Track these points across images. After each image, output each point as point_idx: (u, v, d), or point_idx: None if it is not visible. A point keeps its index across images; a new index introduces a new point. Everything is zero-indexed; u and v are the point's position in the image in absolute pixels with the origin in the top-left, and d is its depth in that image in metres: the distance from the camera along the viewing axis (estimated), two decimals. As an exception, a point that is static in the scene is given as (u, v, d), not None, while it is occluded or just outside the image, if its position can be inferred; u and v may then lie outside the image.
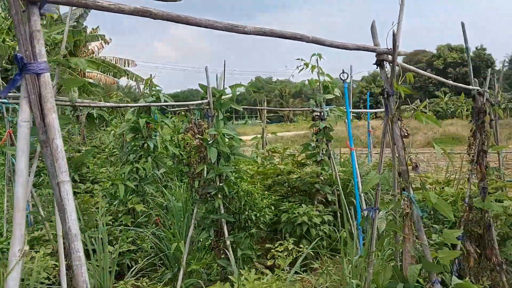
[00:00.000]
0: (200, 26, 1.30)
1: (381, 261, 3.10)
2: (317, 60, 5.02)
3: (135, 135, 5.22)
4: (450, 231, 2.43)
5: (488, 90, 3.89)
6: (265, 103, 7.61)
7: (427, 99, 48.53)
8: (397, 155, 2.36)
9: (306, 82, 5.50)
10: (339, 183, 5.21)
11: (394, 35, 2.25)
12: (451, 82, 3.31)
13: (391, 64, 2.33)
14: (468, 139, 3.74)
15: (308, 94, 5.42)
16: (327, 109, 5.33)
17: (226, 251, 3.86)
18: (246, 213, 3.96)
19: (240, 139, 4.19)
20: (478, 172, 3.65)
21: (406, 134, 2.36)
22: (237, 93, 4.02)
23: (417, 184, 5.41)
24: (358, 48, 2.10)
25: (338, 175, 5.36)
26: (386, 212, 2.45)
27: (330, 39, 1.81)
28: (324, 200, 5.37)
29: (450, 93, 44.73)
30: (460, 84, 3.38)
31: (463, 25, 3.49)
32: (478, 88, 3.51)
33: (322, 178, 5.34)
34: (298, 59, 5.02)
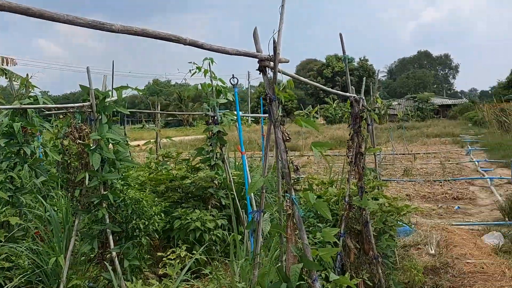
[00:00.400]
0: (59, 21, 1.18)
1: (270, 263, 3.17)
2: (209, 64, 5.02)
3: (9, 140, 4.70)
4: (329, 230, 2.57)
5: (364, 97, 4.24)
6: (159, 107, 7.39)
7: (318, 105, 51.84)
8: (280, 158, 2.43)
9: (199, 87, 5.48)
10: (233, 187, 5.26)
11: (274, 42, 2.31)
12: (329, 89, 3.52)
13: (273, 70, 2.39)
14: (347, 142, 4.01)
15: (202, 99, 5.38)
16: (221, 113, 5.35)
17: (113, 263, 3.65)
18: (134, 221, 3.78)
19: (128, 144, 3.99)
20: (356, 172, 3.94)
21: (288, 138, 2.44)
22: (124, 95, 3.83)
23: (306, 185, 5.66)
24: (239, 54, 2.11)
25: (232, 178, 5.41)
26: (271, 214, 2.51)
27: (208, 42, 1.79)
28: (218, 204, 5.38)
29: (338, 100, 48.12)
30: (338, 91, 3.61)
31: (341, 36, 3.76)
32: (355, 95, 3.79)
33: (216, 182, 5.34)
34: (190, 62, 4.96)
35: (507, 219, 6.60)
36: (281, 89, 2.43)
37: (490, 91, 66.41)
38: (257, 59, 2.34)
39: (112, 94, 4.01)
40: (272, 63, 2.38)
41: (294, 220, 2.37)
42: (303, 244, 2.35)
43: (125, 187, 3.85)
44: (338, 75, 58.73)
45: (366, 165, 5.64)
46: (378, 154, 14.70)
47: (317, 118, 52.14)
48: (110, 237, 3.69)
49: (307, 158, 16.21)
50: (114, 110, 3.78)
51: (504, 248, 5.30)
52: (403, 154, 17.10)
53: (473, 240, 5.73)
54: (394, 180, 11.14)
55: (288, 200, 2.37)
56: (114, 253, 3.68)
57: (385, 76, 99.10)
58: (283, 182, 2.46)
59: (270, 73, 2.45)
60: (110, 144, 3.79)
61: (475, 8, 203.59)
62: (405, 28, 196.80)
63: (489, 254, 5.18)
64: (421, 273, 4.53)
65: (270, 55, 2.35)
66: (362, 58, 64.65)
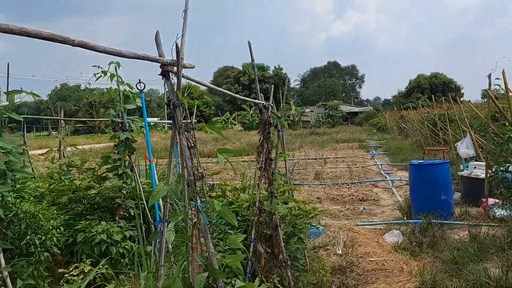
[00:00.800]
0: None
1: (177, 274, 3.09)
2: (115, 68, 4.79)
3: None
4: (236, 236, 2.57)
5: (273, 104, 4.33)
6: (62, 113, 6.91)
7: (236, 112, 52.35)
8: (185, 165, 2.37)
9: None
10: (143, 196, 5.06)
11: (177, 47, 2.26)
12: (237, 95, 3.54)
13: (176, 76, 2.34)
14: (257, 148, 4.06)
15: (108, 104, 5.12)
16: (129, 119, 5.14)
17: (5, 283, 3.30)
18: (28, 237, 3.46)
19: (25, 153, 3.65)
20: (266, 178, 3.99)
21: (193, 145, 2.39)
22: (17, 100, 3.49)
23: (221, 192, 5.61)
24: (137, 57, 2.02)
25: (143, 187, 5.21)
26: (175, 224, 2.44)
27: (103, 44, 1.69)
28: (127, 215, 5.14)
29: (254, 106, 49.01)
30: (247, 98, 3.65)
31: (249, 44, 3.80)
32: (263, 102, 3.86)
33: (124, 192, 5.10)
34: (95, 66, 4.70)
35: (405, 218, 7.15)
36: (185, 94, 2.38)
37: (392, 100, 72.21)
38: (159, 64, 2.27)
39: (7, 99, 3.66)
40: (175, 68, 2.33)
41: (200, 229, 2.33)
42: (208, 252, 2.31)
43: (18, 200, 3.51)
44: (254, 83, 59.87)
45: (280, 170, 5.79)
46: (291, 159, 15.13)
47: (235, 124, 52.70)
48: (1, 255, 3.34)
49: (224, 164, 16.25)
50: (6, 116, 3.44)
51: (402, 245, 5.71)
52: (315, 158, 17.84)
53: (376, 239, 6.11)
54: (306, 184, 11.55)
55: (193, 208, 2.32)
56: (5, 273, 3.34)
57: (298, 84, 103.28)
58: (189, 190, 2.41)
59: (174, 79, 2.39)
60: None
61: (377, 23, 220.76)
62: (316, 39, 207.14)
63: (389, 251, 5.56)
64: (329, 273, 4.73)
65: (174, 60, 2.29)
66: (277, 67, 66.71)
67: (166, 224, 2.35)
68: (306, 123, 47.76)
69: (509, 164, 6.83)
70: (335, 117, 52.93)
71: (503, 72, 5.70)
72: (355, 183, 11.36)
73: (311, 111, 56.68)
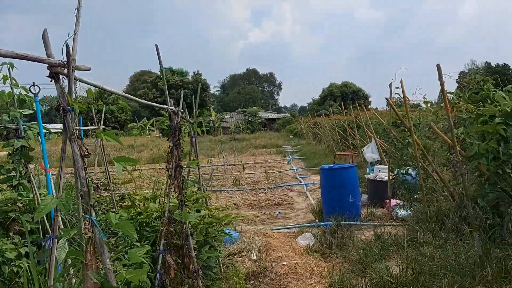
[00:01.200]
0: None
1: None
2: (9, 69, 4.35)
3: None
4: (136, 250, 2.43)
5: (183, 110, 4.23)
6: None
7: (154, 117, 50.91)
8: (77, 176, 2.18)
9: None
10: (42, 209, 4.64)
11: (67, 47, 2.08)
12: (144, 101, 3.38)
13: (68, 78, 2.15)
14: (167, 155, 3.92)
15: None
16: (26, 126, 4.70)
17: None
18: None
19: None
20: (176, 186, 3.87)
21: (87, 153, 2.22)
22: None
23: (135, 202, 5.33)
24: (17, 57, 1.81)
25: (41, 199, 4.79)
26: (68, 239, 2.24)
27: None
28: (24, 230, 4.68)
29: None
30: (155, 104, 3.50)
31: (157, 47, 3.66)
32: (173, 107, 3.74)
33: (20, 205, 4.64)
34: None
35: (317, 220, 7.39)
36: (77, 98, 2.20)
37: (307, 107, 75.15)
38: (47, 65, 2.07)
39: None
40: (66, 70, 2.14)
41: (95, 244, 2.15)
42: (105, 269, 2.15)
43: None
44: (173, 88, 58.59)
45: (196, 177, 5.66)
46: (209, 166, 14.98)
47: (153, 130, 51.23)
48: None
49: (140, 172, 15.65)
50: None
51: (314, 247, 5.87)
52: (234, 164, 17.91)
53: (289, 242, 6.22)
54: (224, 190, 11.51)
55: (87, 222, 2.14)
56: None
57: (218, 90, 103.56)
58: (83, 202, 2.23)
59: (64, 81, 2.20)
60: None
61: (292, 33, 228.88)
62: (236, 46, 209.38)
63: (301, 254, 5.69)
64: (242, 280, 4.70)
65: (63, 61, 2.11)
66: (196, 72, 66.17)
67: (55, 240, 2.15)
68: (226, 129, 47.92)
69: (408, 167, 7.39)
70: (254, 123, 53.78)
71: (401, 81, 6.15)
72: (271, 188, 11.55)
73: (231, 117, 57.09)
